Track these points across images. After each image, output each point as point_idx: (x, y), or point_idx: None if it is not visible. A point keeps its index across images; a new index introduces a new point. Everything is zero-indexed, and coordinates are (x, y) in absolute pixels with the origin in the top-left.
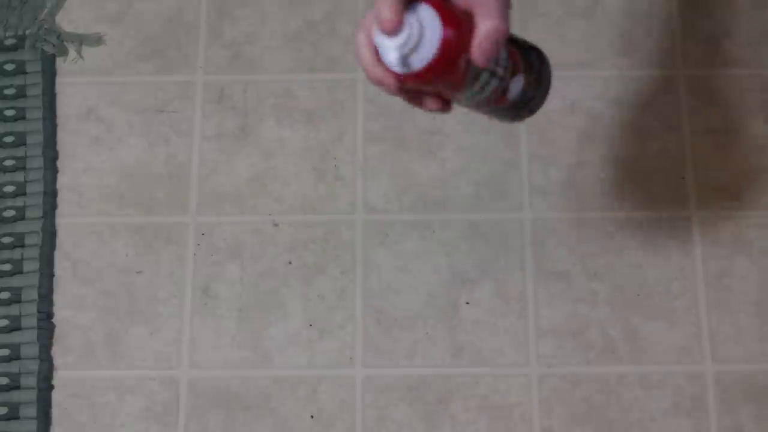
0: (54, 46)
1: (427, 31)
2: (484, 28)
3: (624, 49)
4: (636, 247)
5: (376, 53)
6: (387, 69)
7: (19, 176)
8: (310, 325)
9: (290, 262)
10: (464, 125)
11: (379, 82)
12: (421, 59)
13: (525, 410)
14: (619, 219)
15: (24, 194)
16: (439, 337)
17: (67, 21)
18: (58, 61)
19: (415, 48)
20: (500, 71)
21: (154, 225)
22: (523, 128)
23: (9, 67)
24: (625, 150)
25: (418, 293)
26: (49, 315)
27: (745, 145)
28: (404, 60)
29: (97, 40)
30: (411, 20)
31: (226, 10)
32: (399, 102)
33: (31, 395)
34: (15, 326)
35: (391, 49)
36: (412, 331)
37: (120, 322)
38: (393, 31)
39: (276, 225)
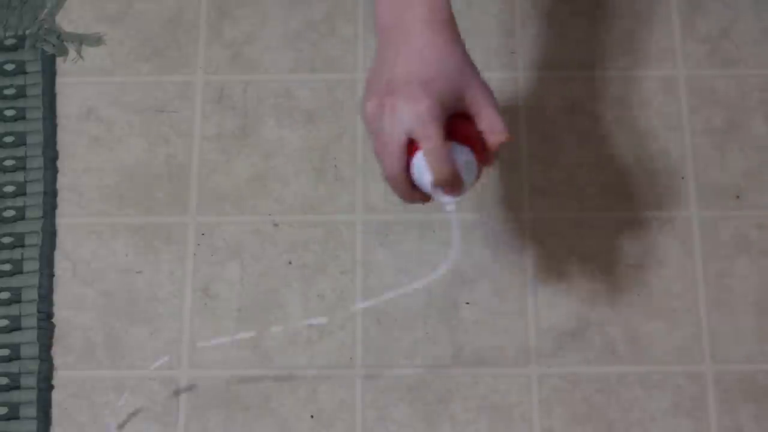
0: (54, 46)
1: (471, 173)
2: (496, 144)
3: (624, 49)
4: (636, 247)
5: (407, 169)
6: (420, 192)
7: (19, 176)
8: (310, 325)
9: (290, 262)
10: None
11: (404, 197)
12: (463, 191)
13: (525, 410)
14: (619, 219)
15: (24, 194)
16: (439, 337)
17: (67, 21)
18: (58, 61)
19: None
20: None
21: (154, 225)
22: (523, 128)
23: (9, 67)
24: (625, 150)
25: (418, 293)
26: (49, 315)
27: (745, 145)
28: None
29: (97, 40)
30: (463, 173)
31: (226, 10)
32: None
33: (31, 395)
34: (15, 326)
35: (446, 201)
36: (412, 331)
37: (120, 322)
38: (457, 194)
39: (276, 225)
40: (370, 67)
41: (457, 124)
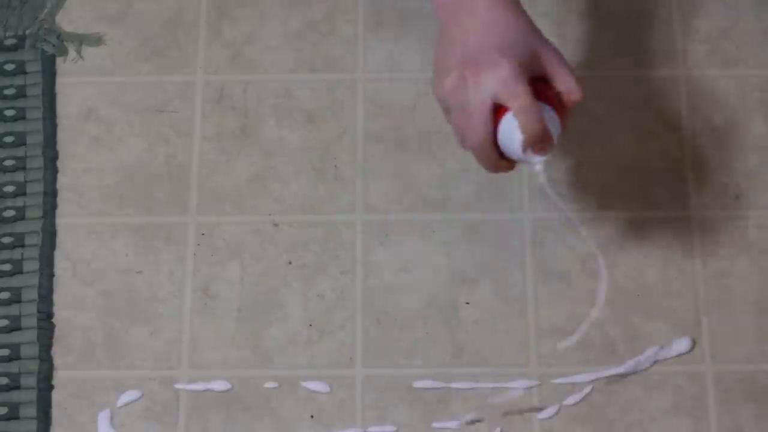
0: (54, 46)
1: (556, 131)
2: (573, 103)
3: (624, 49)
4: (636, 247)
5: (494, 135)
6: (506, 160)
7: (19, 176)
8: (310, 325)
9: (290, 262)
10: None
11: (491, 166)
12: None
13: (525, 410)
14: (619, 219)
15: (24, 194)
16: (439, 337)
17: (67, 21)
18: (58, 61)
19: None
20: None
21: (154, 225)
22: None
23: (9, 67)
24: (625, 150)
25: (418, 293)
26: (49, 315)
27: (745, 145)
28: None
29: (97, 40)
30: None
31: (226, 10)
32: (399, 102)
33: (31, 395)
34: (15, 326)
35: (535, 161)
36: (412, 331)
37: (120, 322)
38: (545, 152)
39: (276, 225)
40: (436, 49)
41: (539, 85)
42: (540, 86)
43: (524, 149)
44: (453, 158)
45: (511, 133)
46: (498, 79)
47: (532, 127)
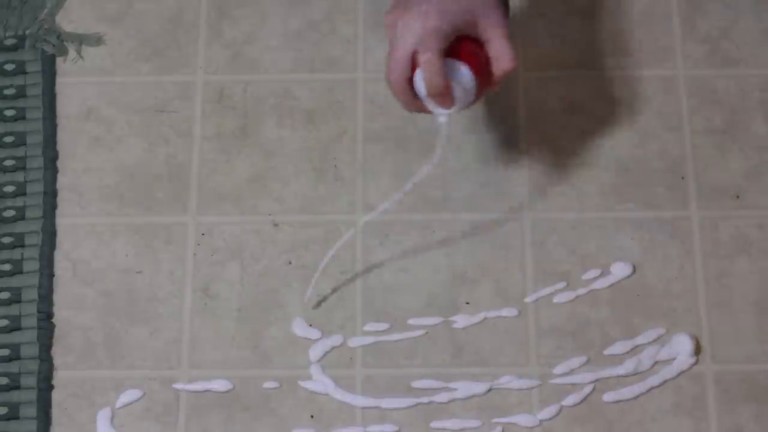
0: (54, 46)
1: (467, 90)
2: (501, 70)
3: (624, 49)
4: (636, 247)
5: (410, 84)
6: (420, 102)
7: (19, 176)
8: (310, 325)
9: (290, 262)
10: (464, 125)
11: (403, 105)
12: (458, 107)
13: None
14: (619, 219)
15: (24, 194)
16: (439, 337)
17: (67, 21)
18: (58, 61)
19: (458, 106)
20: None
21: (154, 225)
22: (523, 128)
23: (9, 67)
24: (625, 150)
25: (418, 293)
26: (49, 315)
27: (745, 145)
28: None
29: (97, 40)
30: (456, 88)
31: (226, 10)
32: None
33: (31, 395)
34: (15, 326)
35: (440, 112)
36: (412, 331)
37: (120, 322)
38: (448, 107)
39: (276, 225)
40: None
41: (468, 45)
42: (474, 46)
43: (427, 100)
44: (453, 158)
45: (421, 81)
46: (420, 30)
47: (431, 81)
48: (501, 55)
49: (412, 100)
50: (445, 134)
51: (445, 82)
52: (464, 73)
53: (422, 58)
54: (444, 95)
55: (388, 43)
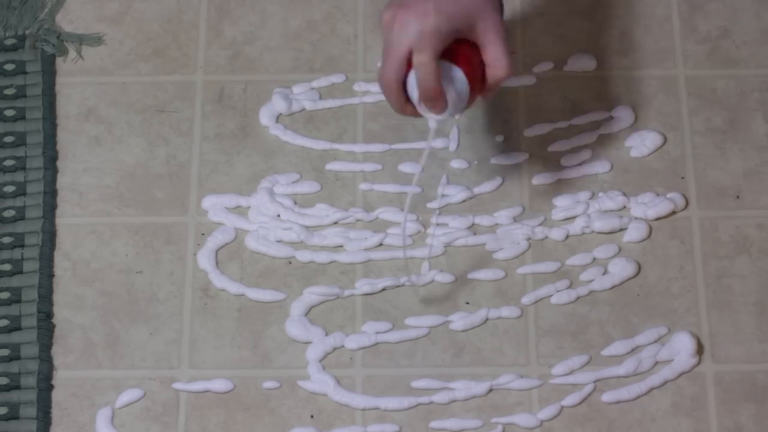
0: (54, 46)
1: (461, 96)
2: (496, 78)
3: (624, 49)
4: (635, 247)
5: (403, 85)
6: (412, 106)
7: (19, 176)
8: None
9: (290, 262)
10: (464, 125)
11: (395, 106)
12: (449, 113)
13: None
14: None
15: (24, 194)
16: (439, 337)
17: (67, 21)
18: (58, 61)
19: (450, 112)
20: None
21: (154, 225)
22: (522, 128)
23: (9, 67)
24: (625, 150)
25: (418, 293)
26: (49, 315)
27: (745, 145)
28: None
29: (97, 40)
30: (450, 93)
31: (226, 10)
32: None
33: (31, 395)
34: (15, 326)
35: (431, 117)
36: (412, 331)
37: (120, 322)
38: (439, 112)
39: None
40: None
41: (464, 48)
42: (470, 50)
43: (419, 103)
44: (454, 158)
45: (414, 84)
46: (418, 30)
47: (425, 83)
48: (496, 61)
49: (404, 103)
50: (430, 143)
51: (439, 86)
52: (459, 77)
53: (417, 60)
54: (437, 99)
55: (383, 42)
